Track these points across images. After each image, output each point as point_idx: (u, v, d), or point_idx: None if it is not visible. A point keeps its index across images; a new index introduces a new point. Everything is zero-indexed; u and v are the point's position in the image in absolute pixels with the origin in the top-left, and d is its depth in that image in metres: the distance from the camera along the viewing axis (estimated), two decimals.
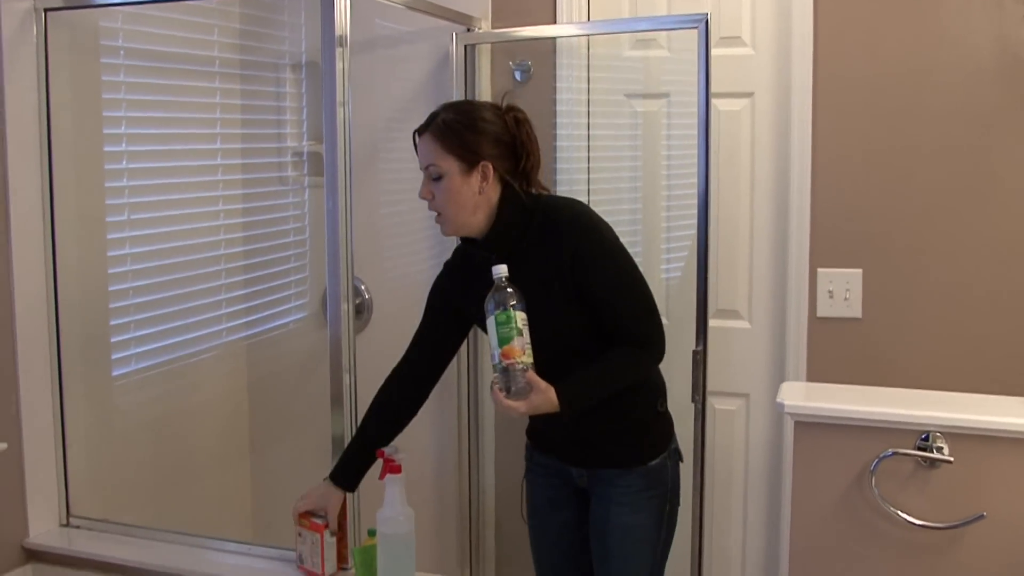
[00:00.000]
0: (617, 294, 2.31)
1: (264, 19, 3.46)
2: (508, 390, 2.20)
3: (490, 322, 2.20)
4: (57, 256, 2.76)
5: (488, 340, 2.23)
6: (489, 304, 2.20)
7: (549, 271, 2.29)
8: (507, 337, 2.18)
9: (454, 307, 2.48)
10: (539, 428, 2.56)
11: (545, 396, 2.20)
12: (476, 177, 2.27)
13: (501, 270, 2.21)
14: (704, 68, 2.69)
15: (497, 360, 2.20)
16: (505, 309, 2.18)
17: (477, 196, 2.28)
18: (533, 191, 2.38)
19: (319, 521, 2.46)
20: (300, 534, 2.49)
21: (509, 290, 2.19)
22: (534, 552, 2.66)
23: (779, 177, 3.09)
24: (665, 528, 2.47)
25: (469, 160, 2.26)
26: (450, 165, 2.26)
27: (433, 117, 2.31)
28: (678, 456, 2.51)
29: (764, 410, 3.19)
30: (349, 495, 2.48)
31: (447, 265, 2.54)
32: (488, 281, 2.22)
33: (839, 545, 2.13)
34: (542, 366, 2.22)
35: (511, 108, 2.36)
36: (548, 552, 2.63)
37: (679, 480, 2.51)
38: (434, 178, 2.28)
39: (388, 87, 3.38)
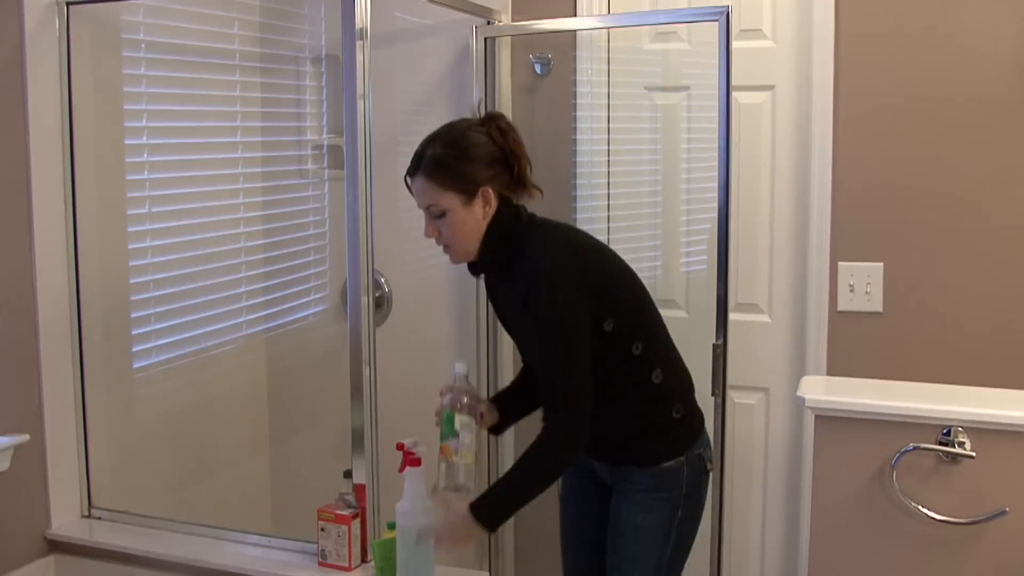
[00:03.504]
0: (540, 354, 2.28)
1: (284, 12, 3.46)
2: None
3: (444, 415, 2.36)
4: (79, 249, 2.77)
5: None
6: (445, 397, 2.36)
7: (517, 296, 2.29)
8: (444, 434, 2.35)
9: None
10: None
11: (457, 524, 2.23)
12: (479, 204, 2.26)
13: (460, 369, 2.37)
14: (724, 61, 2.68)
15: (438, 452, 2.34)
16: (451, 409, 2.34)
17: (482, 222, 2.27)
18: (525, 201, 2.36)
19: (346, 513, 2.46)
20: (323, 529, 2.49)
21: (463, 393, 2.32)
22: (561, 538, 2.66)
23: (800, 170, 3.07)
24: (675, 533, 2.40)
25: (469, 191, 2.24)
26: (451, 201, 2.24)
27: (420, 156, 2.27)
28: (701, 463, 2.42)
29: (784, 404, 3.18)
30: (371, 488, 2.49)
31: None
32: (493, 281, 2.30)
33: (859, 540, 2.13)
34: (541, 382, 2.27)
35: (492, 118, 2.32)
36: (573, 541, 2.63)
37: (700, 488, 2.43)
38: (437, 216, 2.27)
39: (408, 80, 3.38)
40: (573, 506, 2.61)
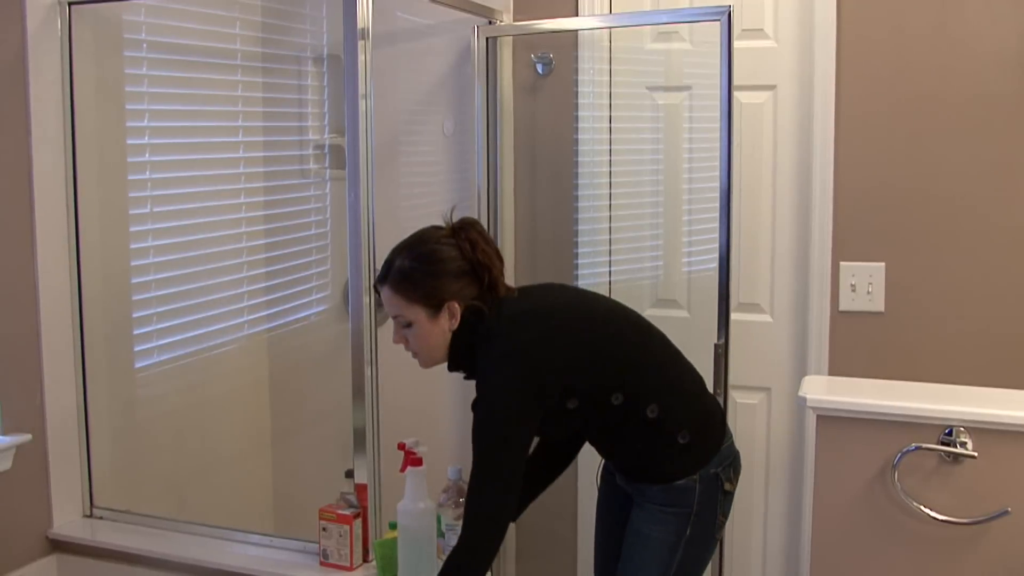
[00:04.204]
0: (475, 453, 2.22)
1: (286, 12, 3.46)
2: None
3: None
4: (81, 249, 2.77)
5: None
6: (440, 497, 2.47)
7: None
8: (438, 532, 2.46)
9: None
10: None
11: None
12: (444, 317, 2.26)
13: (452, 473, 2.45)
14: (726, 61, 2.68)
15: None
16: (440, 510, 2.45)
17: (448, 333, 2.28)
18: (496, 303, 2.31)
19: (347, 513, 2.46)
20: (325, 528, 2.49)
21: (457, 494, 2.41)
22: (595, 537, 2.68)
23: (802, 170, 3.07)
24: (683, 551, 2.34)
25: (434, 304, 2.24)
26: (416, 313, 2.25)
27: (388, 266, 2.27)
28: (717, 482, 2.35)
29: (786, 404, 3.18)
30: (372, 488, 2.49)
31: None
32: None
33: (861, 540, 2.13)
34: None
35: (462, 227, 2.31)
36: (601, 542, 2.65)
37: (714, 509, 2.35)
38: (404, 326, 2.28)
39: (410, 80, 3.38)
40: (605, 512, 2.63)
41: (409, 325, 2.27)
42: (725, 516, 2.41)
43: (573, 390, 2.25)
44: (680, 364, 2.41)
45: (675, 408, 2.33)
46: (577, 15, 3.22)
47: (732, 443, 2.43)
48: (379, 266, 2.32)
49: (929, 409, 2.06)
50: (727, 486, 2.37)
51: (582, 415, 2.28)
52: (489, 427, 2.20)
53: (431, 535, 2.38)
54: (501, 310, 2.29)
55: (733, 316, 2.83)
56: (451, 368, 2.36)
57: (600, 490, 2.65)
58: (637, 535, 2.39)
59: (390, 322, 2.22)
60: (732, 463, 2.39)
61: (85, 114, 2.78)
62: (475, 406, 2.23)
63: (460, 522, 2.30)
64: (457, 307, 2.26)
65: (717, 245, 2.75)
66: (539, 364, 2.22)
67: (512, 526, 3.42)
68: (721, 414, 2.47)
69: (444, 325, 2.27)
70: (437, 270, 2.26)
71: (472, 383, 2.28)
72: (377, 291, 2.33)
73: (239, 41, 3.29)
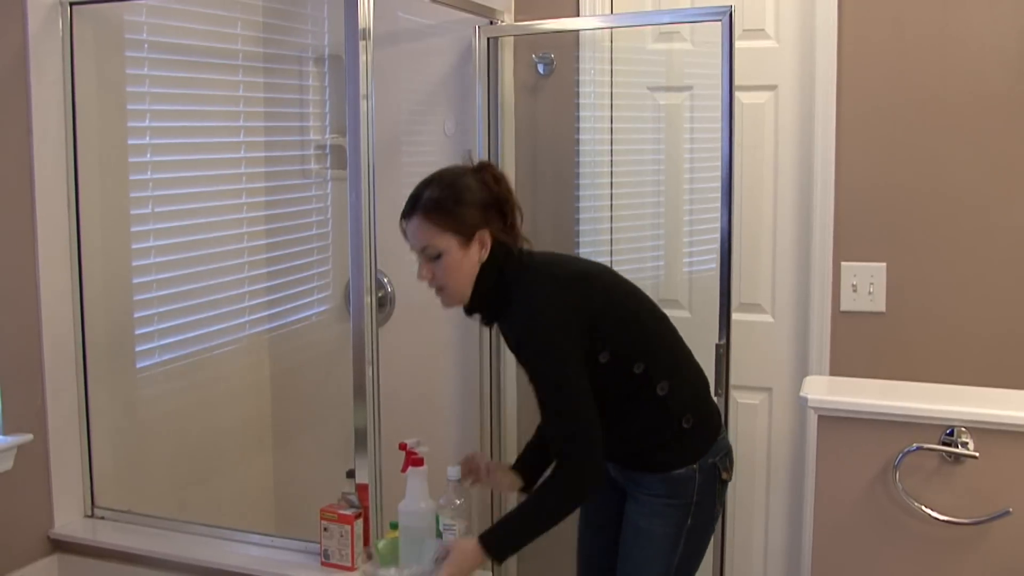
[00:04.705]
0: (541, 405, 2.27)
1: (287, 12, 3.46)
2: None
3: None
4: (82, 249, 2.77)
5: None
6: (440, 498, 2.41)
7: (514, 347, 2.33)
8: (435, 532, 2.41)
9: None
10: None
11: (466, 553, 2.21)
12: (475, 247, 2.27)
13: (452, 474, 2.41)
14: (728, 61, 2.68)
15: None
16: (442, 510, 2.40)
17: (476, 266, 2.28)
18: (519, 247, 2.35)
19: (349, 513, 2.46)
20: (326, 528, 2.49)
21: (455, 495, 2.36)
22: (578, 540, 2.67)
23: (803, 170, 3.07)
24: (684, 542, 2.38)
25: (466, 232, 2.25)
26: (447, 242, 2.24)
27: (417, 197, 2.28)
28: (715, 472, 2.39)
29: (787, 404, 3.18)
30: (373, 488, 2.49)
31: None
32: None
33: (862, 540, 2.13)
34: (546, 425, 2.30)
35: (483, 166, 2.35)
36: (587, 541, 2.64)
37: (713, 497, 2.40)
38: (432, 258, 2.27)
39: (411, 80, 3.38)
40: (593, 509, 2.61)
41: (438, 257, 2.26)
42: (722, 506, 2.46)
43: (605, 342, 2.26)
44: (686, 352, 2.46)
45: (682, 391, 2.38)
46: (578, 15, 3.22)
47: (726, 436, 2.48)
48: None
49: (930, 409, 2.06)
50: (724, 475, 2.42)
51: (606, 376, 2.28)
52: (548, 371, 2.24)
53: (432, 535, 2.38)
54: (531, 253, 2.33)
55: (734, 316, 2.83)
56: (471, 309, 2.35)
57: None
58: (637, 531, 2.39)
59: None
60: (727, 454, 2.44)
61: (86, 114, 2.78)
62: (522, 351, 2.25)
63: (457, 521, 2.31)
64: (488, 237, 2.27)
65: (718, 245, 2.75)
66: (581, 302, 2.26)
67: None
68: (719, 413, 2.50)
69: (474, 256, 2.27)
70: (467, 199, 2.27)
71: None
72: (402, 230, 2.31)
73: (240, 41, 3.29)
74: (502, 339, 3.23)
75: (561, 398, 2.23)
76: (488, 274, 2.29)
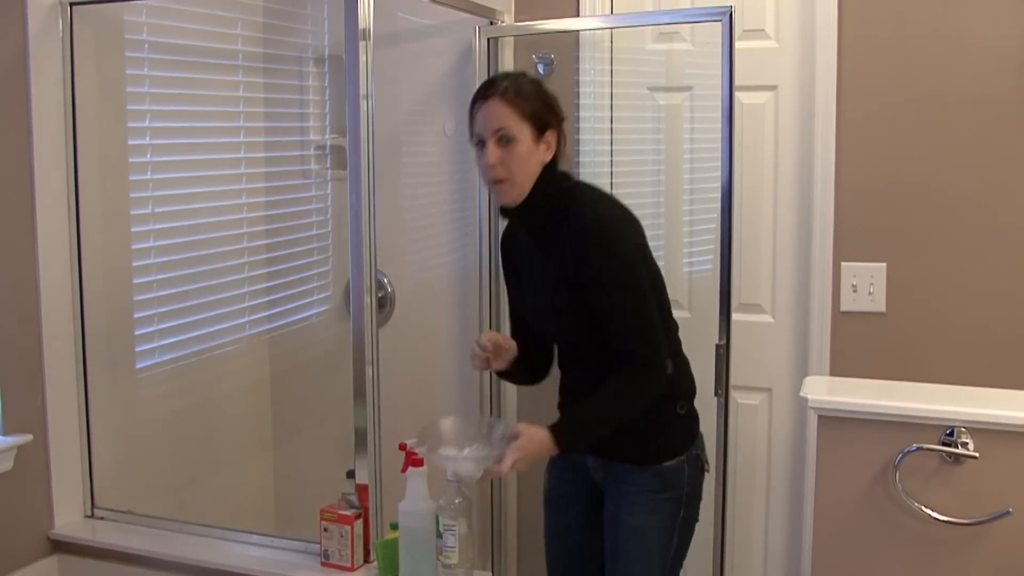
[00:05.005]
0: (614, 310, 2.26)
1: (287, 13, 3.46)
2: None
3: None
4: (82, 249, 2.77)
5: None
6: (440, 499, 2.33)
7: (556, 262, 2.29)
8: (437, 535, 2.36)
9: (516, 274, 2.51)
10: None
11: (535, 440, 2.19)
12: (544, 145, 2.27)
13: (453, 474, 2.30)
14: (728, 61, 2.68)
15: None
16: (442, 510, 2.32)
17: (539, 166, 2.27)
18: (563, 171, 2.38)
19: (349, 514, 2.46)
20: (326, 529, 2.49)
21: (456, 495, 2.31)
22: (546, 543, 2.65)
23: (803, 170, 3.07)
24: (678, 534, 2.42)
25: (540, 127, 2.26)
26: (523, 131, 2.23)
27: (493, 83, 2.27)
28: (699, 463, 2.45)
29: (787, 405, 3.18)
30: (373, 488, 2.49)
31: (502, 239, 2.57)
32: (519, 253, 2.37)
33: (862, 540, 2.13)
34: (559, 348, 2.35)
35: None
36: (559, 546, 2.62)
37: (699, 489, 2.45)
38: (504, 142, 2.23)
39: (411, 80, 3.38)
40: (560, 514, 2.60)
41: (510, 143, 2.23)
42: (701, 498, 2.50)
43: (651, 283, 2.31)
44: (680, 341, 2.49)
45: (681, 375, 2.43)
46: (578, 15, 3.22)
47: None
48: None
49: (930, 409, 2.05)
50: (706, 467, 2.48)
51: None
52: (626, 276, 2.25)
53: (432, 536, 2.38)
54: (582, 180, 2.38)
55: (734, 316, 2.82)
56: (522, 211, 2.31)
57: (553, 497, 2.61)
58: (633, 530, 2.39)
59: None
60: (704, 446, 2.50)
61: (86, 114, 2.78)
62: (591, 259, 2.23)
63: (457, 521, 2.30)
64: (554, 140, 2.28)
65: (718, 245, 2.75)
66: (641, 232, 2.33)
67: (513, 525, 3.43)
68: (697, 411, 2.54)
69: (541, 155, 2.27)
70: (547, 96, 2.30)
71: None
72: (472, 114, 2.28)
73: (240, 41, 3.29)
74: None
75: (637, 303, 2.25)
76: (549, 177, 2.28)
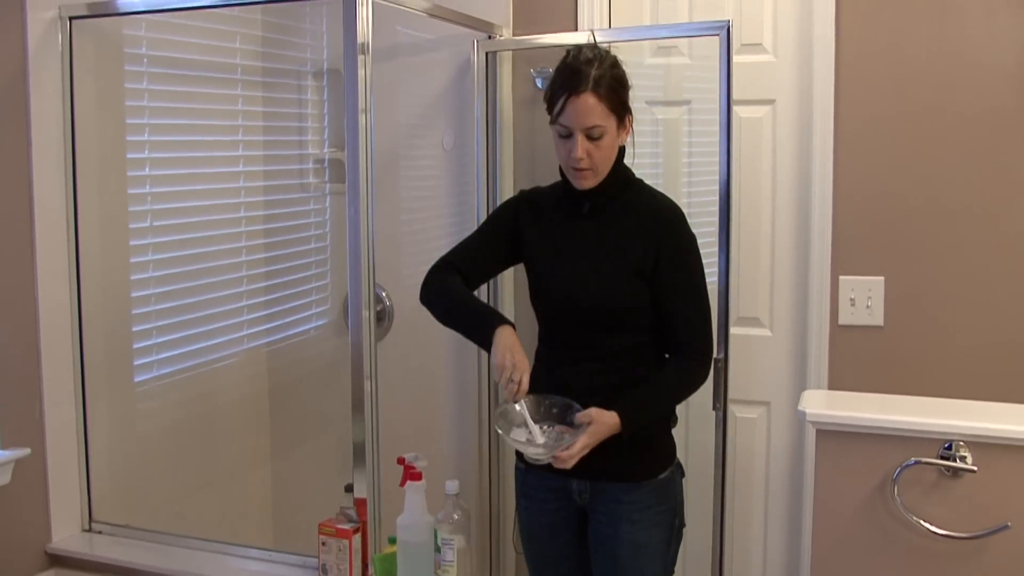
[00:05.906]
0: (686, 300, 2.35)
1: (286, 27, 3.47)
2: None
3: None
4: (80, 263, 2.78)
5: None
6: (438, 513, 2.35)
7: (627, 241, 2.34)
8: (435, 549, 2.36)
9: (518, 231, 2.49)
10: None
11: (607, 425, 2.23)
12: (624, 132, 2.33)
13: (451, 488, 2.33)
14: (725, 75, 2.68)
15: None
16: (440, 524, 2.34)
17: (617, 150, 2.34)
18: None
19: (347, 528, 2.46)
20: (324, 543, 2.49)
21: (453, 512, 2.33)
22: (534, 573, 2.58)
23: (801, 184, 3.08)
24: (675, 542, 2.45)
25: (622, 116, 2.30)
26: (611, 123, 2.26)
27: (583, 75, 2.22)
28: (680, 469, 2.49)
29: (785, 418, 3.18)
30: (372, 502, 2.49)
31: (524, 193, 2.57)
32: (558, 219, 2.41)
33: (861, 554, 2.12)
34: (567, 327, 2.36)
35: None
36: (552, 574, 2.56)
37: (682, 495, 2.49)
38: (596, 137, 2.25)
39: (409, 94, 3.39)
40: (544, 545, 2.53)
41: (600, 137, 2.26)
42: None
43: None
44: None
45: None
46: (576, 30, 3.22)
47: None
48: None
49: (929, 423, 2.06)
50: (683, 474, 2.51)
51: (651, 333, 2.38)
52: (701, 267, 2.37)
53: (431, 550, 2.38)
54: None
55: (732, 330, 2.82)
56: (595, 190, 2.35)
57: (534, 529, 2.54)
58: (634, 547, 2.37)
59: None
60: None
61: (85, 128, 2.78)
62: (678, 238, 2.34)
63: (455, 536, 2.30)
64: (630, 121, 2.33)
65: (716, 259, 2.75)
66: None
67: (511, 540, 3.42)
68: None
69: (623, 139, 2.34)
70: (626, 82, 2.33)
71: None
72: (561, 105, 2.25)
73: (239, 55, 3.30)
74: None
75: (706, 298, 2.39)
76: (621, 157, 2.37)
